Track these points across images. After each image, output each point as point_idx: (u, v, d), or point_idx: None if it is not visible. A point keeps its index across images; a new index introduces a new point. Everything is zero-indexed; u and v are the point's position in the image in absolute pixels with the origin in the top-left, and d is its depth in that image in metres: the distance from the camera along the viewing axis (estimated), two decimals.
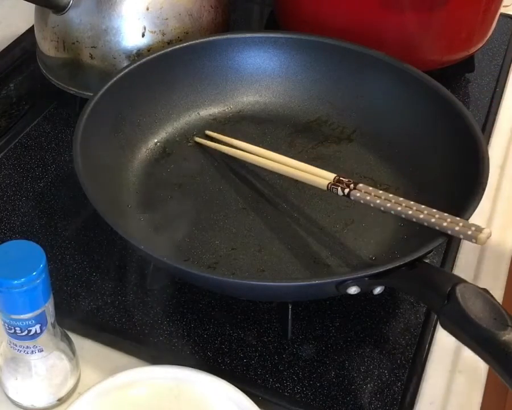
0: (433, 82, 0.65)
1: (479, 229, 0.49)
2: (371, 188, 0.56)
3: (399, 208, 0.54)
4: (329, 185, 0.58)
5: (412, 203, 0.54)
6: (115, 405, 0.49)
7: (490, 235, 0.49)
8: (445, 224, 0.51)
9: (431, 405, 0.53)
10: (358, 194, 0.57)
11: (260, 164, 0.64)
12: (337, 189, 0.58)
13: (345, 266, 0.58)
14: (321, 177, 0.60)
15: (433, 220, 0.51)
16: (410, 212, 0.53)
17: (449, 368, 0.55)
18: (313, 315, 0.57)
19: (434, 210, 0.52)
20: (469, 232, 0.49)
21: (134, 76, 0.66)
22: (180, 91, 0.70)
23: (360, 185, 0.57)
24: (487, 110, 0.77)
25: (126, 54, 0.70)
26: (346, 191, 0.57)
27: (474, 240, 0.49)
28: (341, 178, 0.58)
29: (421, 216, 0.52)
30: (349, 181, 0.58)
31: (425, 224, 0.52)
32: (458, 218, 0.51)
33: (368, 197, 0.56)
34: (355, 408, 0.51)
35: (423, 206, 0.53)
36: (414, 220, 0.53)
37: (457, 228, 0.50)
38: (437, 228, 0.51)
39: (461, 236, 0.50)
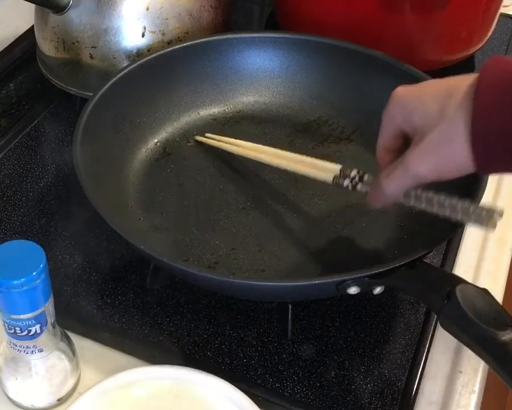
0: None
1: (491, 211, 0.47)
2: None
3: None
4: (335, 179, 0.56)
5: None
6: (115, 405, 0.49)
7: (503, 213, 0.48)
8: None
9: (431, 405, 0.53)
10: (365, 187, 0.54)
11: (263, 160, 0.63)
12: (343, 181, 0.55)
13: (345, 266, 0.58)
14: (326, 170, 0.57)
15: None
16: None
17: (449, 368, 0.55)
18: (313, 315, 0.57)
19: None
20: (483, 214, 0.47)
21: (134, 76, 0.66)
22: (180, 91, 0.70)
23: (366, 177, 0.55)
24: None
25: (126, 54, 0.70)
26: (353, 182, 0.55)
27: (484, 224, 0.47)
28: (346, 172, 0.55)
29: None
30: (356, 172, 0.55)
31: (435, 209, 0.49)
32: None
33: None
34: (355, 408, 0.51)
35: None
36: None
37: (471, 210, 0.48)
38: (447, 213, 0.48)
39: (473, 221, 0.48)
